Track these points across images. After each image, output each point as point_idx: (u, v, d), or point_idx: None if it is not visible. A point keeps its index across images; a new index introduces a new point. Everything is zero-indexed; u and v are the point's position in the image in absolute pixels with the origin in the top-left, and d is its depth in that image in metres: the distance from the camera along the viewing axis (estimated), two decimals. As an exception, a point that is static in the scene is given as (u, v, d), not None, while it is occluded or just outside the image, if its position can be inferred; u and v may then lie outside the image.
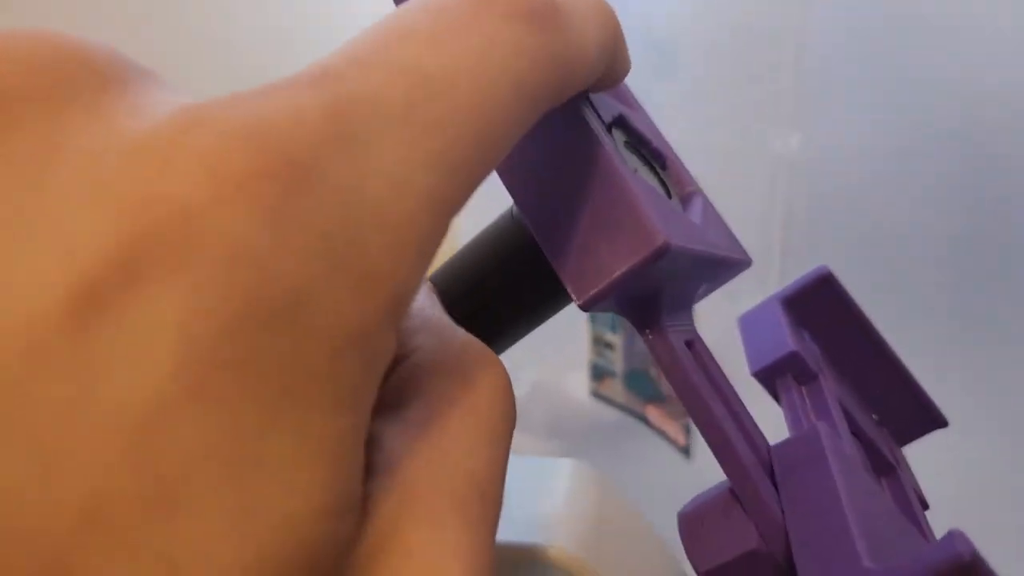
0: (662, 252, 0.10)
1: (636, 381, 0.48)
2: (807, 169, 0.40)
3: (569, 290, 0.11)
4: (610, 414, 0.51)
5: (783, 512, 0.10)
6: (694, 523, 0.11)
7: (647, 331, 0.11)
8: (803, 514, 0.10)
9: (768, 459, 0.11)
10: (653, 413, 0.47)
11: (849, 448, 0.12)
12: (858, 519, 0.09)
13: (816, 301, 0.15)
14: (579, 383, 0.54)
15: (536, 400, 0.58)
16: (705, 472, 0.42)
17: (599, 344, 0.50)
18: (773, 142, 0.40)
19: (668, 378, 0.11)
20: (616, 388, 0.50)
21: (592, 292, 0.10)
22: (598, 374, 0.51)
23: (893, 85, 0.36)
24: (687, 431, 0.45)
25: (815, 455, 0.10)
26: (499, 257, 0.14)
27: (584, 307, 0.10)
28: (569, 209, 0.11)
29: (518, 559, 0.22)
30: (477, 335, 0.13)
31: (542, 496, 0.23)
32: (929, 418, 0.16)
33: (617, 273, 0.10)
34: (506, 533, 0.22)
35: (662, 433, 0.47)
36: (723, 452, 0.10)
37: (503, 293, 0.14)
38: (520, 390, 0.59)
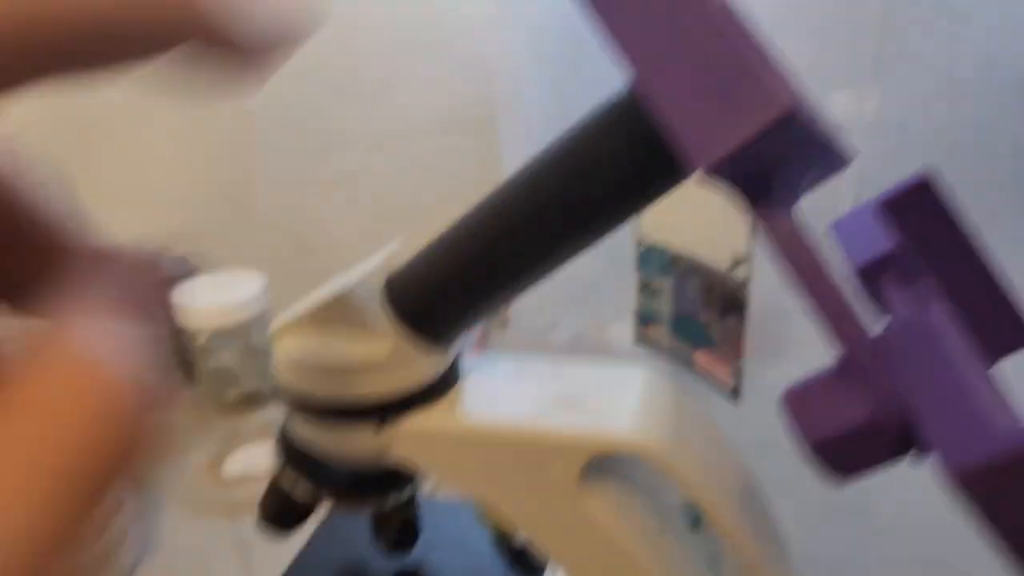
0: (790, 113, 0.10)
1: (684, 327, 0.48)
2: (881, 129, 0.39)
3: (691, 156, 0.10)
4: (654, 360, 0.51)
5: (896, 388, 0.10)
6: (803, 398, 0.11)
7: (761, 206, 0.11)
8: (924, 386, 0.10)
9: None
10: (701, 359, 0.47)
11: (958, 333, 0.12)
12: (979, 387, 0.09)
13: (916, 206, 0.15)
14: (623, 331, 0.54)
15: (578, 349, 0.58)
16: (751, 415, 0.42)
17: (646, 291, 0.50)
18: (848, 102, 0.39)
19: (783, 253, 0.11)
20: (662, 334, 0.50)
21: (718, 156, 0.10)
22: (644, 321, 0.51)
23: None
24: (737, 373, 0.44)
25: (932, 332, 0.10)
26: (611, 138, 0.14)
27: (709, 171, 0.10)
28: (690, 77, 0.11)
29: (607, 451, 0.22)
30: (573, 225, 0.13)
31: (626, 397, 0.23)
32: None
33: (746, 135, 0.10)
34: (594, 429, 0.22)
35: (709, 377, 0.46)
36: (842, 321, 0.10)
37: (613, 177, 0.14)
38: (562, 338, 0.59)
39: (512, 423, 0.23)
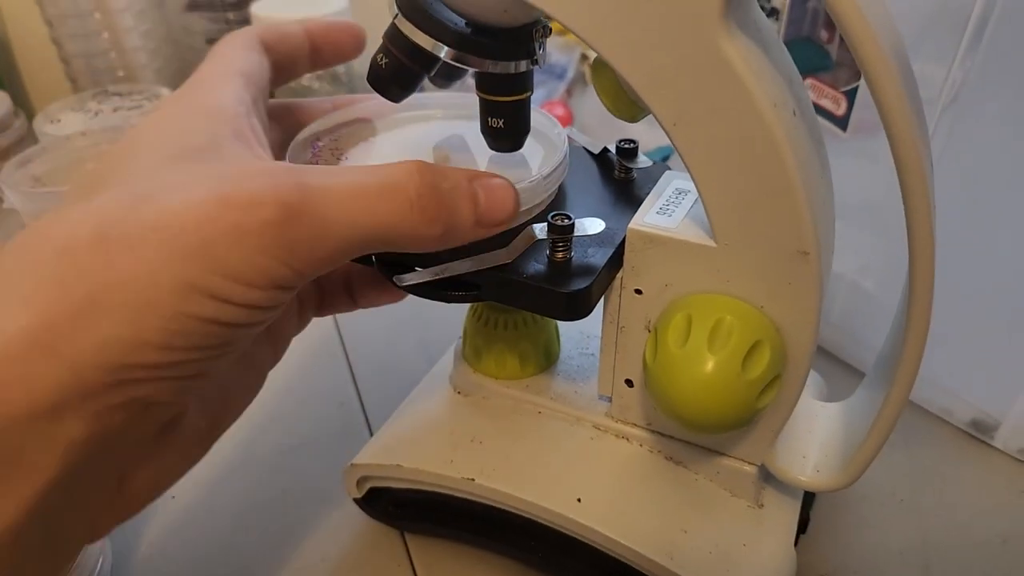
0: None
1: (797, 52, 0.44)
2: None
3: None
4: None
5: None
6: None
7: None
8: None
9: None
10: (812, 87, 0.43)
11: None
12: None
13: None
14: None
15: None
16: (861, 147, 0.39)
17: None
18: None
19: None
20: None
21: None
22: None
23: None
24: (850, 101, 0.41)
25: None
26: None
27: None
28: None
29: None
30: None
31: None
32: None
33: None
34: None
35: (816, 107, 0.43)
36: None
37: None
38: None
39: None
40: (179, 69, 0.75)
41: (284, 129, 0.30)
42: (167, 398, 0.20)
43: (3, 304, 0.18)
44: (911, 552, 0.34)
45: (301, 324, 0.32)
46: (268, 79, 0.27)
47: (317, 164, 0.29)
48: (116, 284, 0.18)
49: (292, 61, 0.29)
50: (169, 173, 0.20)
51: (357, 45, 0.30)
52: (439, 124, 0.33)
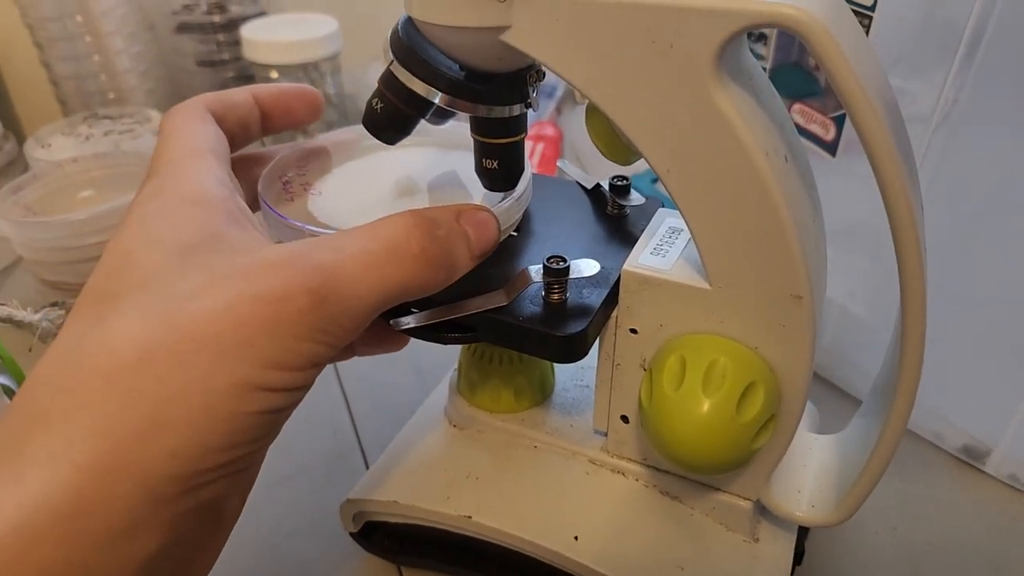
0: None
1: (786, 77, 0.44)
2: None
3: None
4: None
5: None
6: None
7: None
8: None
9: None
10: (800, 112, 0.44)
11: None
12: None
13: None
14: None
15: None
16: (849, 168, 0.39)
17: (750, 37, 0.46)
18: None
19: None
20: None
21: None
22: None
23: None
24: (838, 127, 0.42)
25: None
26: None
27: None
28: None
29: (759, 22, 0.19)
30: None
31: None
32: None
33: None
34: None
35: (805, 132, 0.44)
36: None
37: None
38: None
39: (649, -7, 0.20)
40: (169, 91, 0.75)
41: (249, 182, 0.30)
42: (227, 492, 0.21)
43: (69, 439, 0.18)
44: (905, 580, 0.34)
45: None
46: (228, 150, 0.26)
47: (291, 199, 0.30)
48: (172, 400, 0.18)
49: (243, 129, 0.28)
50: (186, 274, 0.20)
51: (312, 111, 0.30)
52: (399, 152, 0.33)
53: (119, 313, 0.19)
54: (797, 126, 0.44)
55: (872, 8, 0.36)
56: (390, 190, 0.31)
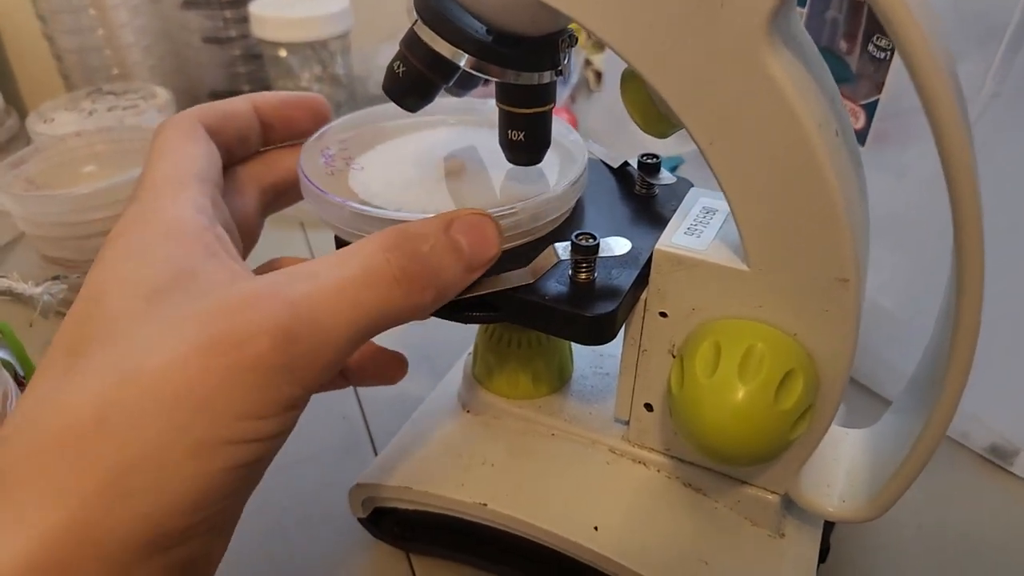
0: None
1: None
2: None
3: None
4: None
5: None
6: None
7: None
8: None
9: None
10: (829, 96, 0.43)
11: None
12: None
13: None
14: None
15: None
16: (879, 159, 0.38)
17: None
18: None
19: None
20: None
21: None
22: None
23: None
24: (868, 115, 0.40)
25: None
26: None
27: None
28: None
29: None
30: None
31: None
32: None
33: None
34: None
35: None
36: None
37: None
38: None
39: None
40: (174, 67, 0.73)
41: (260, 186, 0.28)
42: (203, 549, 0.20)
43: (29, 505, 0.17)
44: (931, 581, 0.33)
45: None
46: (220, 168, 0.25)
47: (332, 173, 0.28)
48: (130, 465, 0.17)
49: (240, 142, 0.27)
50: (150, 321, 0.19)
51: (316, 120, 0.28)
52: (448, 131, 0.32)
53: (80, 371, 0.18)
54: None
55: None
56: (435, 169, 0.29)
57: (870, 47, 0.40)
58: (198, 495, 0.18)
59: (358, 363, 0.31)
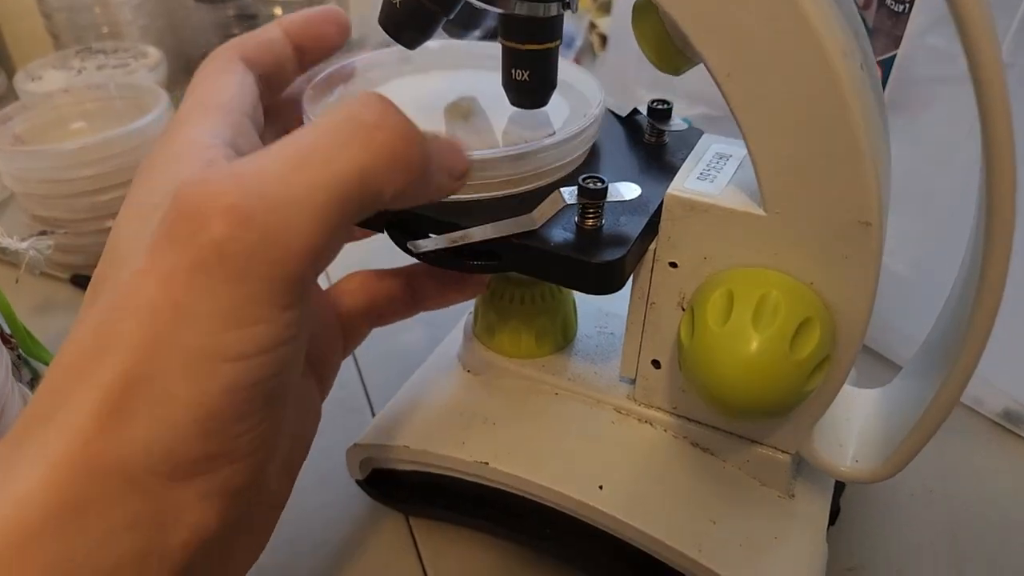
0: None
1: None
2: None
3: None
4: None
5: None
6: None
7: None
8: None
9: None
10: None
11: None
12: None
13: None
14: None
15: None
16: (894, 123, 0.36)
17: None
18: None
19: None
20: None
21: None
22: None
23: None
24: (885, 72, 0.39)
25: None
26: None
27: None
28: None
29: None
30: None
31: None
32: None
33: None
34: None
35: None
36: None
37: None
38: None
39: None
40: (165, 26, 0.71)
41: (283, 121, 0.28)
42: (249, 479, 0.18)
43: (36, 441, 0.17)
44: (941, 543, 0.32)
45: (349, 346, 0.30)
46: (255, 97, 0.24)
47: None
48: (126, 385, 0.16)
49: (280, 69, 0.26)
50: (140, 242, 0.18)
51: (342, 32, 0.27)
52: (455, 73, 0.31)
53: (91, 307, 0.19)
54: None
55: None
56: (441, 112, 0.28)
57: (888, 0, 0.38)
58: (202, 419, 0.16)
59: (427, 278, 0.30)
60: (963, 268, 0.24)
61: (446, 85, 0.30)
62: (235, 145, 0.22)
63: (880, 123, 0.22)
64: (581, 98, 0.29)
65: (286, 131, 0.23)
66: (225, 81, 0.23)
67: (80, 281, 0.48)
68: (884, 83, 0.39)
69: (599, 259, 0.23)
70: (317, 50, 0.27)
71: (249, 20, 0.69)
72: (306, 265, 0.17)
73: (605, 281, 0.23)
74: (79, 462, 0.16)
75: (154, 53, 0.60)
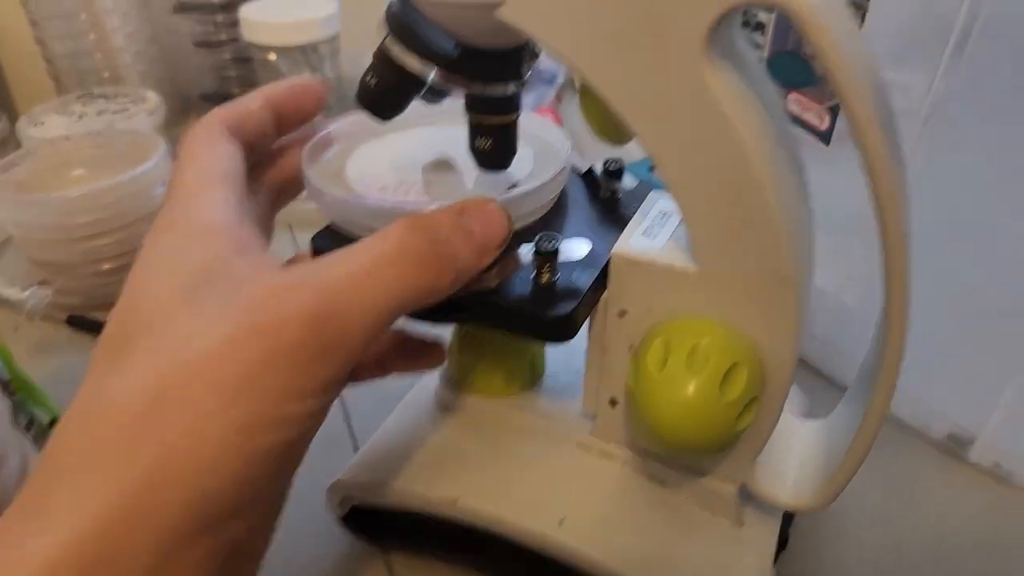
0: None
1: (782, 64, 0.44)
2: None
3: None
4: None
5: None
6: None
7: None
8: None
9: None
10: (796, 101, 0.44)
11: None
12: None
13: None
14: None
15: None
16: (843, 157, 0.39)
17: (747, 27, 0.46)
18: None
19: None
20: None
21: None
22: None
23: None
24: (832, 116, 0.42)
25: None
26: None
27: None
28: None
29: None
30: None
31: None
32: None
33: None
34: None
35: (799, 121, 0.44)
36: None
37: None
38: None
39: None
40: (164, 71, 0.74)
41: (270, 186, 0.30)
42: (252, 527, 0.21)
43: (84, 491, 0.18)
44: (888, 566, 0.34)
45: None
46: (244, 168, 0.27)
47: (332, 174, 0.30)
48: (181, 443, 0.19)
49: (260, 137, 0.28)
50: (191, 312, 0.20)
51: (319, 103, 0.30)
52: (439, 128, 0.34)
53: (129, 361, 0.20)
54: (793, 115, 0.44)
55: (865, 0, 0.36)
56: (422, 166, 0.31)
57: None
58: (243, 473, 0.19)
59: (393, 350, 0.32)
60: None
61: (425, 140, 0.33)
62: (243, 212, 0.24)
63: (796, 187, 0.24)
64: (548, 147, 0.32)
65: (264, 186, 0.28)
66: (220, 152, 0.26)
67: (76, 322, 0.50)
68: (833, 126, 0.42)
69: (553, 313, 0.25)
70: (295, 120, 0.30)
71: (244, 63, 0.72)
72: (355, 360, 0.21)
73: (560, 332, 0.26)
74: (121, 515, 0.18)
75: (153, 98, 0.63)
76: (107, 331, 0.21)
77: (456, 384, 0.35)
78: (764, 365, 0.26)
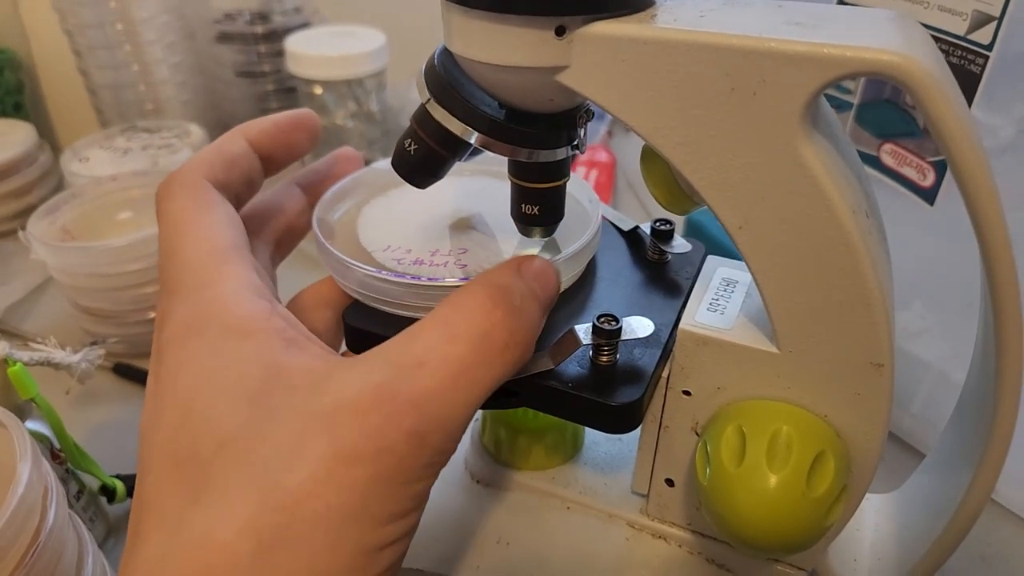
0: None
1: (876, 112, 0.41)
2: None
3: None
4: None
5: None
6: None
7: None
8: None
9: None
10: (891, 153, 0.40)
11: None
12: None
13: None
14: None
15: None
16: (949, 219, 0.36)
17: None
18: None
19: None
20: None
21: None
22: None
23: None
24: (938, 172, 0.38)
25: None
26: None
27: None
28: None
29: (856, 70, 0.16)
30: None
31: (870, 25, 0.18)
32: None
33: None
34: (841, 46, 0.19)
35: (896, 175, 0.40)
36: None
37: None
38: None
39: (731, 36, 0.18)
40: (207, 102, 0.72)
41: (271, 237, 0.27)
42: None
43: None
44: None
45: None
46: (243, 227, 0.24)
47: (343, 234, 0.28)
48: None
49: (248, 186, 0.25)
50: (264, 431, 0.18)
51: (312, 138, 0.27)
52: (463, 179, 0.32)
53: (216, 490, 0.18)
54: (888, 168, 0.40)
55: (989, 48, 0.33)
56: (442, 228, 0.29)
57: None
58: None
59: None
60: (974, 364, 0.24)
61: (448, 192, 0.31)
62: (266, 288, 0.22)
63: (888, 265, 0.22)
64: (580, 208, 0.30)
65: (260, 240, 0.27)
66: (216, 218, 0.22)
67: (123, 371, 0.47)
68: (938, 183, 0.38)
69: (617, 400, 0.23)
70: (285, 159, 0.27)
71: (287, 94, 0.69)
72: (448, 460, 0.20)
73: (623, 422, 0.23)
74: None
75: (196, 131, 0.61)
76: (164, 441, 0.19)
77: (491, 456, 0.32)
78: (849, 450, 0.23)
